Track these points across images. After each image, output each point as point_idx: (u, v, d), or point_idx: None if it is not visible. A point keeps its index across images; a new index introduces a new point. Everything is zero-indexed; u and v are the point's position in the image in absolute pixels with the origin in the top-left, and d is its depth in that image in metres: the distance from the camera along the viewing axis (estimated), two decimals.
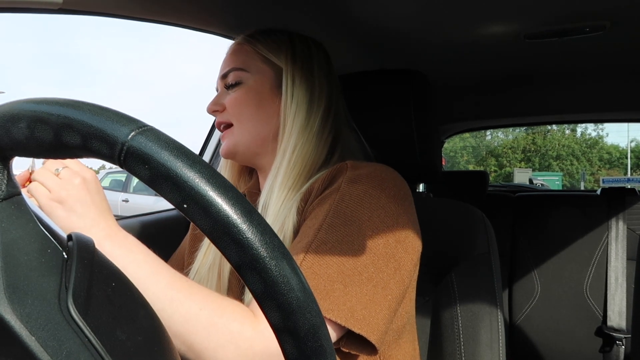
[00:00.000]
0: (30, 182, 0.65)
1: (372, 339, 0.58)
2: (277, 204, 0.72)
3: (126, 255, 0.56)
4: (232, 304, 0.56)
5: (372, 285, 0.60)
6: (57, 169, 0.61)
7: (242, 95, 0.78)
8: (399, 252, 0.64)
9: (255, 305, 0.57)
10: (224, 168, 0.91)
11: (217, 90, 0.84)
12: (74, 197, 0.58)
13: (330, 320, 0.57)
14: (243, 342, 0.53)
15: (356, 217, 0.63)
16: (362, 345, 0.61)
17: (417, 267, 0.72)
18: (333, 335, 0.59)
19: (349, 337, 0.62)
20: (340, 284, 0.58)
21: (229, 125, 0.80)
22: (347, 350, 0.62)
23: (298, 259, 0.60)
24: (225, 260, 0.80)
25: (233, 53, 0.81)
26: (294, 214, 0.70)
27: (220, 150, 0.81)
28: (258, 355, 0.53)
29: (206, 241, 0.81)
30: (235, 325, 0.53)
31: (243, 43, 0.81)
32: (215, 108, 0.80)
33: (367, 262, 0.61)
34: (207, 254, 0.80)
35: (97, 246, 0.55)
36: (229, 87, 0.80)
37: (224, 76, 0.80)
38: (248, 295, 0.61)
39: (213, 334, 0.53)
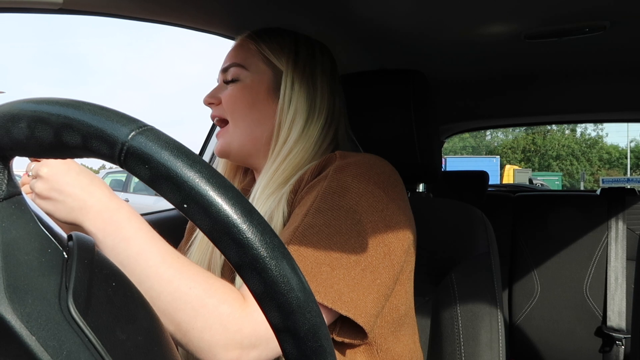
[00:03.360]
0: None
1: (360, 321, 0.58)
2: (266, 201, 0.72)
3: (117, 231, 0.55)
4: (223, 285, 0.55)
5: (360, 269, 0.59)
6: (29, 171, 0.60)
7: (237, 92, 0.78)
8: (389, 238, 0.64)
9: (245, 288, 0.56)
10: (220, 166, 0.92)
11: (217, 82, 0.84)
12: (47, 189, 0.58)
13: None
14: (232, 325, 0.52)
15: (344, 202, 0.63)
16: (354, 332, 0.61)
17: (411, 256, 0.71)
18: None
19: (342, 325, 0.61)
20: (328, 266, 0.58)
21: (222, 121, 0.81)
22: (340, 340, 0.62)
23: (285, 242, 0.60)
24: (216, 259, 0.79)
25: (236, 48, 0.81)
26: (284, 205, 0.71)
27: (215, 148, 0.82)
28: (246, 338, 0.53)
29: (196, 243, 0.81)
30: (224, 307, 0.53)
31: (248, 40, 0.81)
32: (211, 101, 0.81)
33: (355, 245, 0.60)
34: (196, 255, 0.79)
35: (92, 225, 0.55)
36: (227, 82, 0.80)
37: (224, 70, 0.81)
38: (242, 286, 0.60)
39: (201, 314, 0.52)
